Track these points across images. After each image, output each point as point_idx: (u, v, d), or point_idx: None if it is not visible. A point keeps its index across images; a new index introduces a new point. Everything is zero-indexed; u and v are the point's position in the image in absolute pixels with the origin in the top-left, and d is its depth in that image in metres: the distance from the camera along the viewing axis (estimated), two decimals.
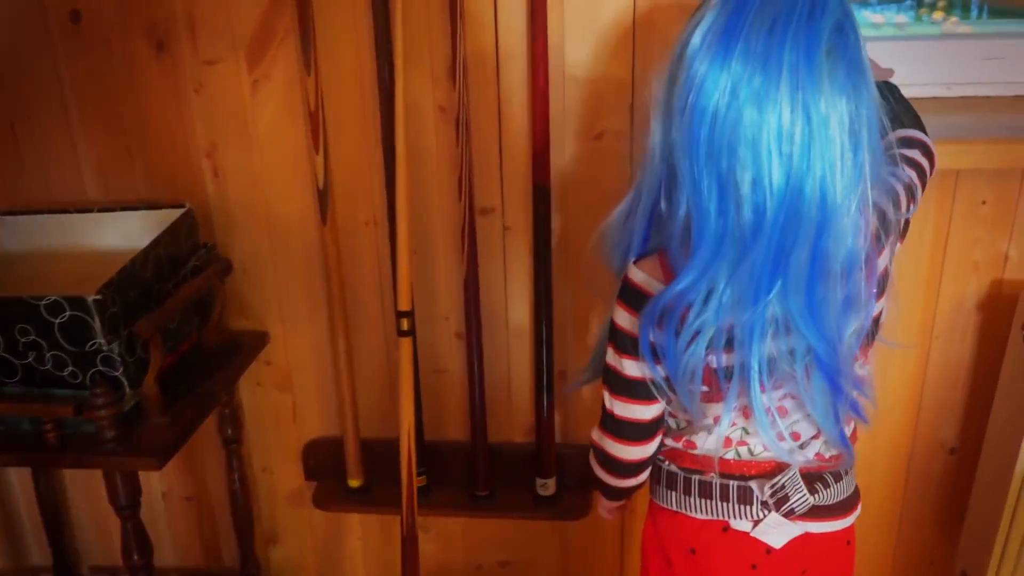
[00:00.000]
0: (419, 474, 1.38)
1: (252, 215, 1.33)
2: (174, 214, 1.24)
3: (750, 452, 0.91)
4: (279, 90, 1.25)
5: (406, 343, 1.23)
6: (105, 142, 1.30)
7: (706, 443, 0.90)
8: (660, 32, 1.18)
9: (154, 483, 1.54)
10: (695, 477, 0.92)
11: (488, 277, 1.32)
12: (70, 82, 1.27)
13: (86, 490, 1.56)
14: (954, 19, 1.39)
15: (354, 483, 1.42)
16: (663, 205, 0.81)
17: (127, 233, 1.23)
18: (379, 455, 1.40)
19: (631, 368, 0.86)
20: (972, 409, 1.36)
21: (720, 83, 0.70)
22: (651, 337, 0.81)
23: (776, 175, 0.70)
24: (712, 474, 0.91)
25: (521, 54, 1.20)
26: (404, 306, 1.23)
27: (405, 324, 1.22)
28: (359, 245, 1.33)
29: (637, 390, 0.87)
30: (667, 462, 0.95)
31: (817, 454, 0.91)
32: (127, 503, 1.11)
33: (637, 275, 0.84)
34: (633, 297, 0.84)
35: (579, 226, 1.29)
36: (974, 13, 1.41)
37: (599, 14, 1.17)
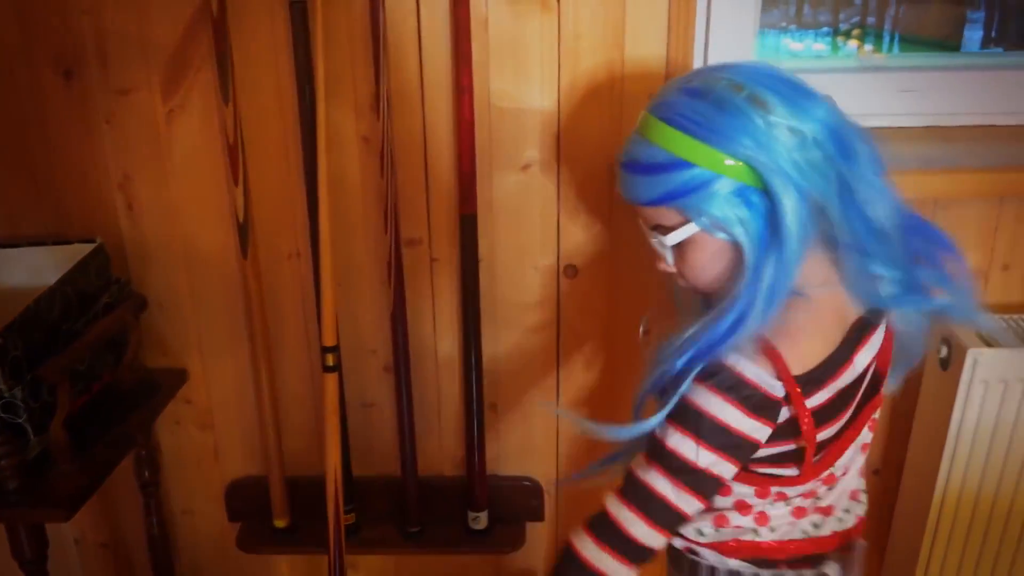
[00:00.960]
0: (347, 511, 1.35)
1: (168, 249, 1.28)
2: (84, 249, 1.18)
3: (815, 526, 0.90)
4: (196, 120, 1.21)
5: (331, 379, 1.19)
6: (10, 174, 1.24)
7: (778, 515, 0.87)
8: (584, 62, 1.18)
9: (66, 530, 1.46)
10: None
11: (416, 309, 1.30)
12: None
13: None
14: (868, 48, 1.44)
15: (280, 523, 1.37)
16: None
17: (34, 270, 1.17)
18: (306, 494, 1.36)
19: (710, 463, 0.79)
20: (895, 432, 1.39)
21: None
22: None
23: None
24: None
25: (446, 85, 1.19)
26: (329, 341, 1.19)
27: (331, 360, 1.19)
28: (282, 278, 1.29)
29: (706, 485, 0.81)
30: (716, 555, 0.89)
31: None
32: (32, 557, 1.04)
33: (750, 370, 0.77)
34: (746, 395, 0.77)
35: (506, 257, 1.28)
36: (886, 40, 1.46)
37: (523, 45, 1.17)
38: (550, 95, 1.20)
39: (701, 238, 0.80)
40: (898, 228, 0.80)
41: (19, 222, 1.27)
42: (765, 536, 0.89)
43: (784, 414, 0.80)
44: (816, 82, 0.82)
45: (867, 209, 0.77)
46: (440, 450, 1.40)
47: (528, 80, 1.20)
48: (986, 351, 1.16)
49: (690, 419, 0.79)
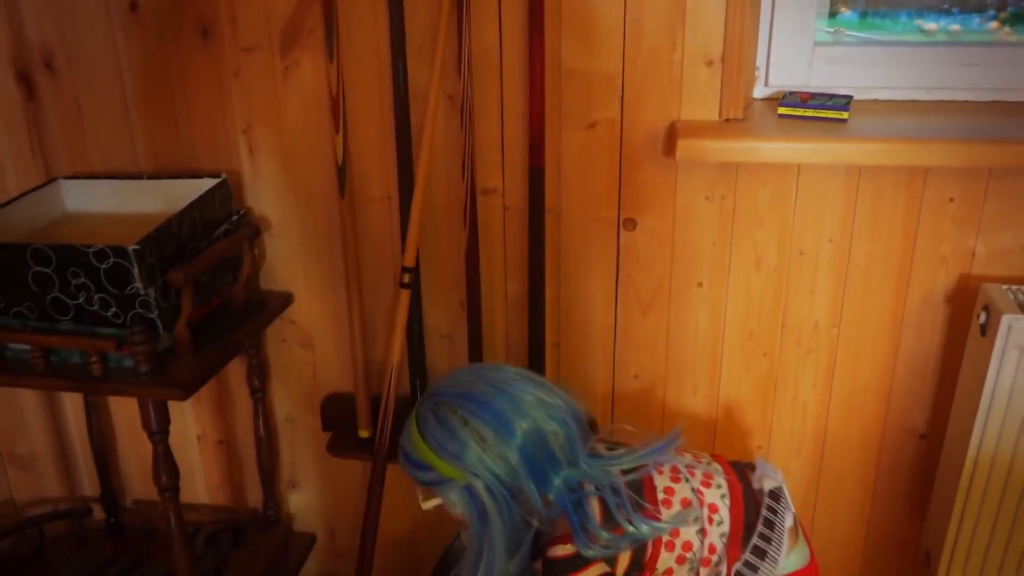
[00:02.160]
0: None
1: (280, 187, 1.49)
2: (211, 183, 1.40)
3: None
4: (306, 76, 1.40)
5: (405, 295, 1.37)
6: (155, 118, 1.48)
7: None
8: (647, 32, 1.29)
9: (190, 426, 1.72)
10: None
11: (488, 252, 1.45)
12: (127, 63, 1.44)
13: (131, 431, 1.75)
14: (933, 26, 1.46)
15: (363, 434, 1.57)
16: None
17: (171, 199, 1.40)
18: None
19: None
20: (941, 396, 1.43)
21: None
22: None
23: None
24: None
25: (522, 50, 1.32)
26: (409, 263, 1.38)
27: (407, 278, 1.37)
28: (373, 218, 1.48)
29: None
30: None
31: None
32: (158, 429, 1.27)
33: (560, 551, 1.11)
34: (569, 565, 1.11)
35: (571, 208, 1.41)
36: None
37: (593, 16, 1.29)
38: (615, 61, 1.32)
39: (447, 502, 1.14)
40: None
41: (161, 159, 1.50)
42: None
43: None
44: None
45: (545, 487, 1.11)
46: None
47: (596, 48, 1.31)
48: (1022, 317, 1.20)
49: None
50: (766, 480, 1.14)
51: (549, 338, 1.49)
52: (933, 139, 1.24)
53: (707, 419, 1.52)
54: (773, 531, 1.13)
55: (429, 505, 1.15)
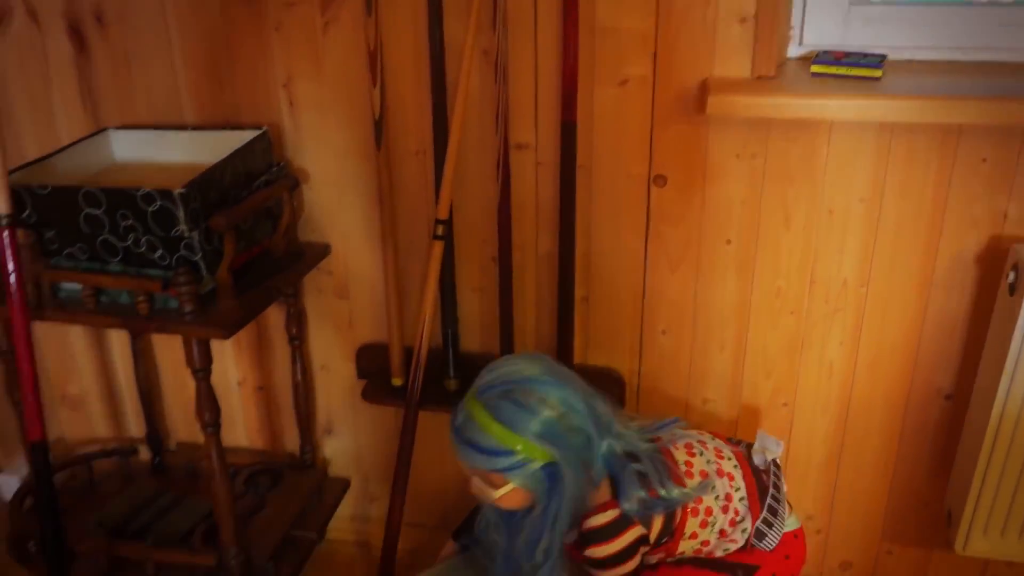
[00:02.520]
0: (454, 377, 1.58)
1: (319, 140, 1.53)
2: (253, 134, 1.45)
3: None
4: (346, 31, 1.44)
5: (438, 246, 1.41)
6: (200, 72, 1.52)
7: None
8: None
9: (231, 372, 1.79)
10: None
11: (520, 206, 1.48)
12: (174, 18, 1.49)
13: (175, 376, 1.83)
14: None
15: (397, 382, 1.62)
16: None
17: (214, 149, 1.44)
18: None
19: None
20: (968, 357, 1.44)
21: None
22: None
23: None
24: None
25: (556, 6, 1.34)
26: (443, 215, 1.41)
27: (440, 230, 1.41)
28: (408, 172, 1.51)
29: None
30: None
31: None
32: (201, 367, 1.33)
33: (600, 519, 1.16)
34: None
35: (602, 164, 1.44)
36: None
37: None
38: (649, 19, 1.33)
39: (520, 485, 1.14)
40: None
41: (207, 112, 1.55)
42: None
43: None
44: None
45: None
46: (536, 336, 1.59)
47: (630, 4, 1.33)
48: None
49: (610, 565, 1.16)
50: (769, 451, 1.25)
51: (578, 293, 1.52)
52: (966, 96, 1.24)
53: (733, 376, 1.55)
54: (780, 493, 1.25)
55: (502, 492, 1.15)
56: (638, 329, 1.55)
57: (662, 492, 1.15)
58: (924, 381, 1.48)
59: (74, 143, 1.49)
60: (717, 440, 1.28)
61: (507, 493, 1.14)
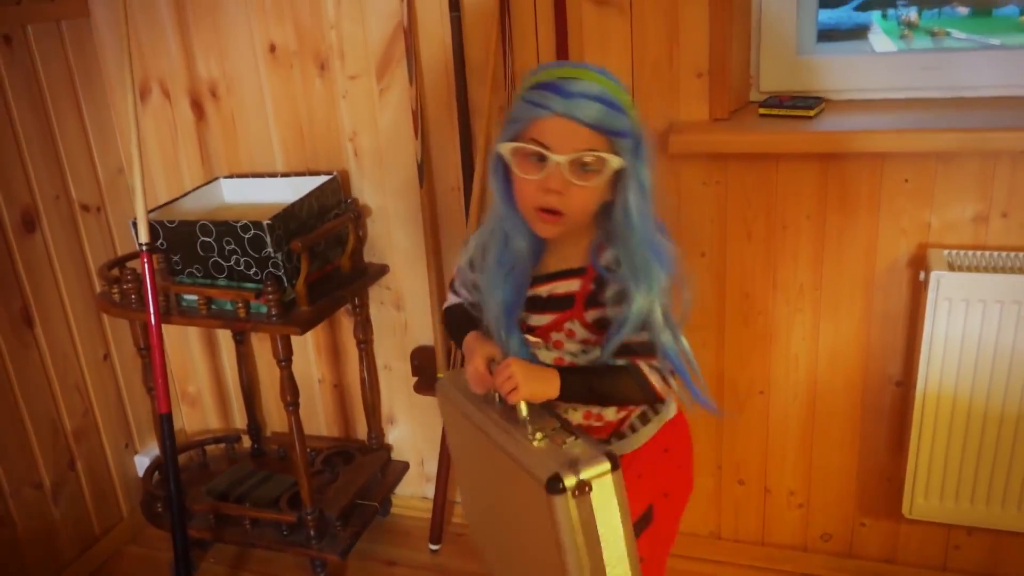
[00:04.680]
0: None
1: (377, 181, 1.93)
2: (325, 178, 1.86)
3: None
4: (395, 96, 1.84)
5: None
6: (288, 131, 1.96)
7: None
8: (651, 50, 1.64)
9: (313, 372, 2.20)
10: None
11: None
12: (269, 92, 1.94)
13: (271, 380, 2.25)
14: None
15: (440, 375, 1.99)
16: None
17: (298, 190, 1.87)
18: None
19: None
20: (911, 348, 1.69)
21: None
22: None
23: None
24: None
25: None
26: None
27: None
28: (447, 204, 1.90)
29: None
30: None
31: None
32: (284, 357, 1.74)
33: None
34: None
35: None
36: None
37: (608, 38, 1.66)
38: (627, 74, 1.67)
39: (603, 179, 1.08)
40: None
41: (293, 161, 1.99)
42: None
43: None
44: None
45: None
46: None
47: (612, 64, 1.67)
48: (947, 274, 1.46)
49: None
50: None
51: None
52: (884, 130, 1.52)
53: (716, 369, 1.84)
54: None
55: (599, 179, 1.07)
56: None
57: None
58: (877, 370, 1.73)
59: (194, 189, 1.95)
60: None
61: (593, 180, 1.07)
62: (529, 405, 1.09)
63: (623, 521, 0.99)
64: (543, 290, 1.19)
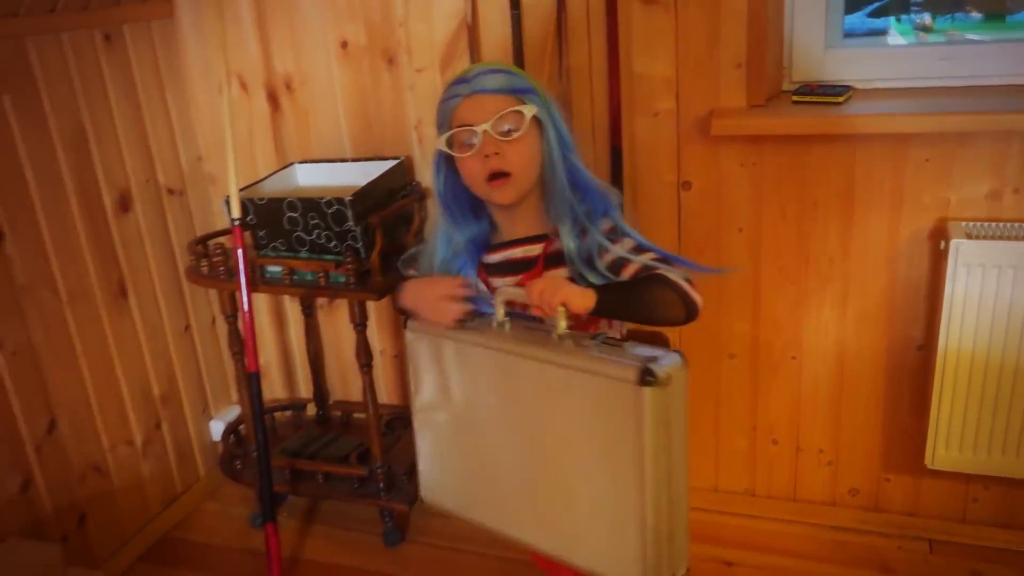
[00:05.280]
0: None
1: None
2: (393, 163, 2.05)
3: None
4: None
5: None
6: (357, 120, 2.15)
7: None
8: (693, 47, 1.81)
9: (375, 344, 2.38)
10: None
11: None
12: (339, 84, 2.13)
13: (335, 351, 2.43)
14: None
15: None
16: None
17: (367, 174, 2.05)
18: None
19: None
20: (932, 314, 1.85)
21: None
22: None
23: None
24: None
25: (603, 62, 1.88)
26: None
27: None
28: None
29: None
30: None
31: None
32: (359, 322, 1.93)
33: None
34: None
35: (642, 175, 1.95)
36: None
37: (654, 35, 1.83)
38: (671, 67, 1.85)
39: (532, 133, 1.25)
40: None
41: (361, 148, 2.17)
42: None
43: None
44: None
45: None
46: None
47: (658, 58, 1.85)
48: (966, 242, 1.63)
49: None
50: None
51: None
52: (905, 113, 1.69)
53: (751, 336, 2.00)
54: None
55: (523, 128, 1.22)
56: None
57: None
58: (900, 335, 1.90)
59: (272, 173, 2.14)
60: None
61: (524, 137, 1.22)
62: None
63: (686, 415, 1.07)
64: (497, 256, 1.34)
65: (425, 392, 1.34)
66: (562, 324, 1.12)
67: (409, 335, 1.32)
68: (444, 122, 1.29)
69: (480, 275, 1.36)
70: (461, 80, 1.26)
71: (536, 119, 1.24)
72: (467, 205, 1.34)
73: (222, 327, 2.40)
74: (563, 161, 1.27)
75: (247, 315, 1.93)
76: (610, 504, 1.11)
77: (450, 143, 1.27)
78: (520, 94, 1.24)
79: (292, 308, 2.44)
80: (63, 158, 1.93)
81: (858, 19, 1.94)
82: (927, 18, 1.88)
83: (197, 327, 2.37)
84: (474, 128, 1.23)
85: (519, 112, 1.23)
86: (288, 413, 2.50)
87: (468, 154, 1.25)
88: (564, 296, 1.11)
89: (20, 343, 1.85)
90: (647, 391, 1.02)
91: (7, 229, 1.81)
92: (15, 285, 1.83)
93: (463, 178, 1.30)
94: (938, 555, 1.95)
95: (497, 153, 1.23)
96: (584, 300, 1.13)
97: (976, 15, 1.90)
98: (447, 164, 1.32)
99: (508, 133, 1.23)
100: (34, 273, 1.87)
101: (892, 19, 1.90)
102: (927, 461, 1.83)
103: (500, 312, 1.20)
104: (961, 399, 1.75)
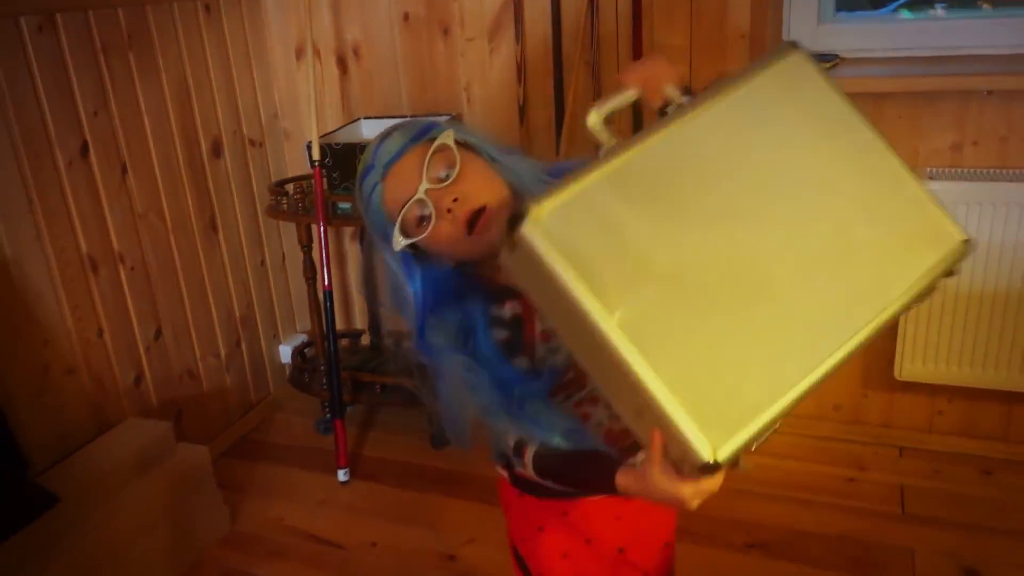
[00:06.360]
0: None
1: (486, 122, 2.46)
2: (446, 118, 2.40)
3: None
4: (504, 55, 2.37)
5: None
6: (414, 81, 2.50)
7: None
8: (705, 17, 2.15)
9: None
10: None
11: None
12: (400, 51, 2.48)
13: None
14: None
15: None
16: None
17: None
18: None
19: None
20: None
21: None
22: None
23: None
24: None
25: (629, 32, 2.22)
26: None
27: None
28: (541, 141, 2.42)
29: None
30: None
31: None
32: None
33: None
34: None
35: None
36: None
37: (673, 8, 2.17)
38: (686, 38, 2.18)
39: (469, 157, 1.00)
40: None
41: (417, 106, 2.53)
42: None
43: None
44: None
45: None
46: None
47: (675, 28, 2.18)
48: (931, 183, 1.95)
49: None
50: None
51: None
52: (878, 77, 2.01)
53: None
54: None
55: (484, 173, 1.01)
56: None
57: None
58: None
59: (341, 127, 2.49)
60: None
61: (464, 162, 0.99)
62: None
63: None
64: (510, 306, 1.05)
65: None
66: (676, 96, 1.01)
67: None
68: (381, 222, 1.02)
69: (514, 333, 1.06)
70: (364, 173, 1.03)
71: (459, 143, 1.01)
72: (452, 291, 1.06)
73: (292, 263, 2.77)
74: (521, 162, 1.07)
75: (323, 241, 2.29)
76: (889, 199, 0.92)
77: (405, 233, 1.01)
78: (424, 135, 1.01)
79: (351, 248, 2.80)
80: (171, 108, 2.29)
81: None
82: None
83: (271, 263, 2.74)
84: (414, 198, 0.98)
85: (439, 148, 1.00)
86: (346, 341, 2.86)
87: (431, 225, 0.99)
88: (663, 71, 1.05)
89: (136, 260, 2.22)
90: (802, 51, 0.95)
91: (129, 164, 2.18)
92: (135, 212, 2.20)
93: (442, 253, 1.03)
94: (907, 459, 2.29)
95: (456, 199, 0.98)
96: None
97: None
98: (415, 262, 1.04)
99: (447, 176, 0.99)
100: (147, 202, 2.24)
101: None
102: (895, 373, 2.16)
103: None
104: (924, 319, 2.08)
